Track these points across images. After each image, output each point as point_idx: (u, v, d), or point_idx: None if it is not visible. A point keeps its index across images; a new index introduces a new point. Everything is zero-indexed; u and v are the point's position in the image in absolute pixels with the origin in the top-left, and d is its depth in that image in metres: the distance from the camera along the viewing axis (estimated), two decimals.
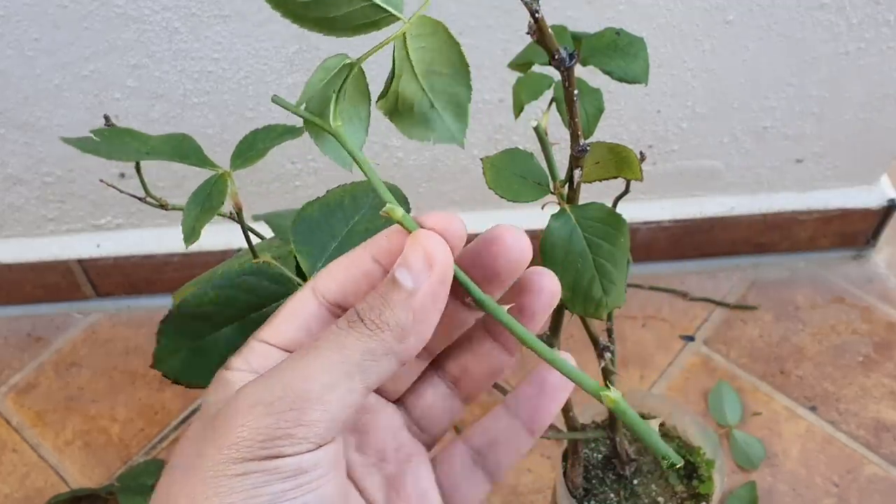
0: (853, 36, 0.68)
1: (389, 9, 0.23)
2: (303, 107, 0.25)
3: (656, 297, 0.88)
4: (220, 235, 0.82)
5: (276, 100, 0.25)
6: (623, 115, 0.73)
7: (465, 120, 0.25)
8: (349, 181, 0.83)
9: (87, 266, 0.83)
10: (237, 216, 0.34)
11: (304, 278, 0.30)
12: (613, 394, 0.25)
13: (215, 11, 0.62)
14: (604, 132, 0.75)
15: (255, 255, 0.35)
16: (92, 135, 0.27)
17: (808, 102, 0.74)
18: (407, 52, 0.25)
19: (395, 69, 0.25)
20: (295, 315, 0.23)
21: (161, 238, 0.82)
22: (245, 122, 0.71)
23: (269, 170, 0.76)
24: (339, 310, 0.23)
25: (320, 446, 0.20)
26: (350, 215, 0.32)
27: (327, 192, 0.33)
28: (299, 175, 0.77)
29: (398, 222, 0.23)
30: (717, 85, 0.72)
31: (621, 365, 0.81)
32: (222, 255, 0.82)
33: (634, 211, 0.84)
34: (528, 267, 0.24)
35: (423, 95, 0.25)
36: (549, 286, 0.25)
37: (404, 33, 0.24)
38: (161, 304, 0.88)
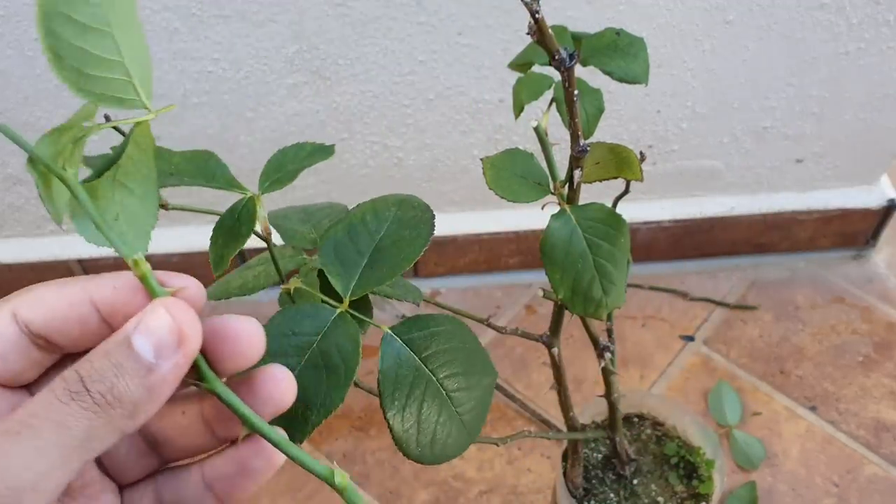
0: (853, 36, 0.68)
1: (140, 94, 0.21)
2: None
3: (656, 296, 0.88)
4: None
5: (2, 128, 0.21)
6: (623, 115, 0.74)
7: (144, 244, 0.22)
8: (349, 182, 0.84)
9: (88, 266, 0.83)
10: (266, 241, 0.34)
11: (339, 299, 0.30)
12: (339, 479, 0.22)
13: (215, 12, 0.62)
14: (604, 132, 0.75)
15: (281, 278, 0.34)
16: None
17: (808, 102, 0.74)
18: (129, 149, 0.22)
19: (115, 158, 0.21)
20: None
21: (161, 238, 0.82)
22: (245, 122, 0.71)
23: None
24: (41, 340, 0.21)
25: None
26: (374, 231, 0.32)
27: (349, 212, 0.33)
28: (300, 175, 0.77)
29: (140, 277, 0.21)
30: (717, 85, 0.72)
31: (621, 365, 0.81)
32: None
33: (635, 211, 0.84)
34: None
35: (111, 202, 0.22)
36: (285, 381, 0.23)
37: (140, 124, 0.21)
38: None
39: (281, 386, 0.22)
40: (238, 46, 0.65)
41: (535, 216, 0.83)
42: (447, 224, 0.83)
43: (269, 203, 0.86)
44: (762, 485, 0.72)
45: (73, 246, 0.82)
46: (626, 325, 0.85)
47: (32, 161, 0.21)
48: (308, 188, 0.79)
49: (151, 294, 0.21)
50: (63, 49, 0.19)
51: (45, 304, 0.21)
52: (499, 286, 0.89)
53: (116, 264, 0.82)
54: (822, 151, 0.80)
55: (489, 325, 0.46)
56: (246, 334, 0.21)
